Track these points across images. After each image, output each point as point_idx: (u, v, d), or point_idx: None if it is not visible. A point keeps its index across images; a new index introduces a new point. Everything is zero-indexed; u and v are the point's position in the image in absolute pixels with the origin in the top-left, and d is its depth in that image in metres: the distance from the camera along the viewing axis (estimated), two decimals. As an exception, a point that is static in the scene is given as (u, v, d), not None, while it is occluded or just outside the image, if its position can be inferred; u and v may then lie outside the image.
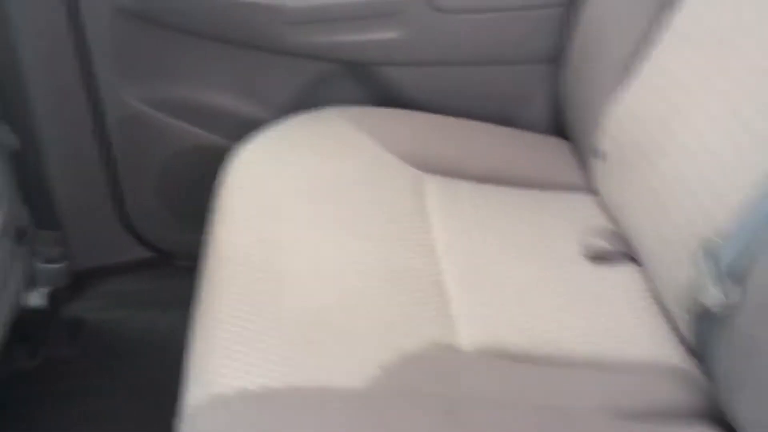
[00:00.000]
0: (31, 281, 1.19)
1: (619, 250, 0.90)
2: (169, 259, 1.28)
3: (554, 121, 1.15)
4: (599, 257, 0.89)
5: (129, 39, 1.06)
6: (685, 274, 0.74)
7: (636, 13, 0.93)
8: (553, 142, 1.12)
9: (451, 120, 1.09)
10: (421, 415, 0.60)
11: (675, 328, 0.79)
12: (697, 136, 0.78)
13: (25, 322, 1.17)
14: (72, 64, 1.05)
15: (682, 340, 0.77)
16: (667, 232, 0.80)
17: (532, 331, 0.75)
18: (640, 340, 0.78)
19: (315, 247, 0.79)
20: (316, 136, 1.00)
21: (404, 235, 0.85)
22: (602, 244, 0.90)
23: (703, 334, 0.72)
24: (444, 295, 0.77)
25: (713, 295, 0.67)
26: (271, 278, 0.73)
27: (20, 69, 1.03)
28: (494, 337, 0.74)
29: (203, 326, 0.69)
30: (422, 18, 1.05)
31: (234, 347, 0.64)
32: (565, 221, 0.95)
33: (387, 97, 1.12)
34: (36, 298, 1.22)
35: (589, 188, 1.01)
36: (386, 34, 1.06)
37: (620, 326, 0.79)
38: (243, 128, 1.04)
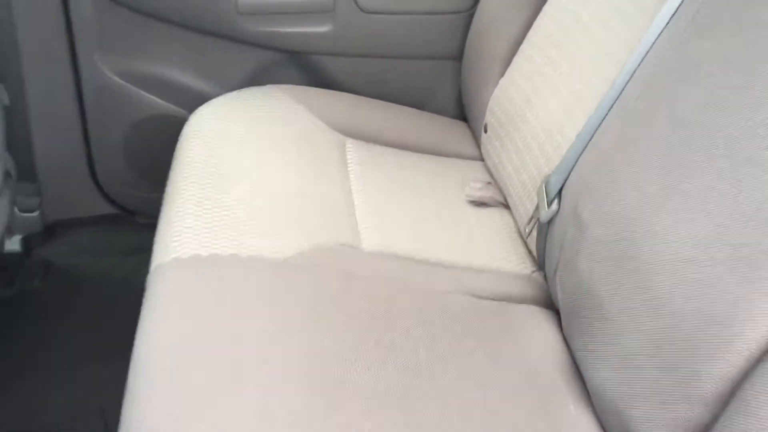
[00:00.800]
0: (8, 229, 1.38)
1: (495, 198, 1.15)
2: (131, 216, 1.48)
3: (459, 109, 1.41)
4: (478, 203, 1.14)
5: (107, 20, 1.28)
6: (533, 204, 1.00)
7: (513, 18, 1.20)
8: (455, 123, 1.38)
9: (372, 100, 1.34)
10: (324, 279, 0.84)
11: (525, 246, 1.04)
12: (546, 106, 1.05)
13: (2, 259, 1.37)
14: (59, 38, 1.27)
15: (530, 254, 1.03)
16: (524, 178, 1.06)
17: (417, 242, 1.00)
18: (499, 253, 1.03)
19: (255, 177, 1.02)
20: (259, 105, 1.23)
21: (327, 176, 1.08)
22: (481, 193, 1.15)
23: (541, 246, 0.97)
24: (352, 215, 1.01)
25: (545, 212, 0.93)
26: (221, 188, 0.96)
27: (16, 40, 1.24)
28: (388, 244, 0.98)
29: (167, 213, 0.91)
30: (350, 16, 1.30)
31: (190, 226, 0.86)
32: (456, 178, 1.20)
33: (321, 81, 1.36)
34: (12, 244, 1.42)
35: (479, 158, 1.27)
36: (321, 28, 1.31)
37: (486, 244, 1.04)
38: (199, 101, 1.26)
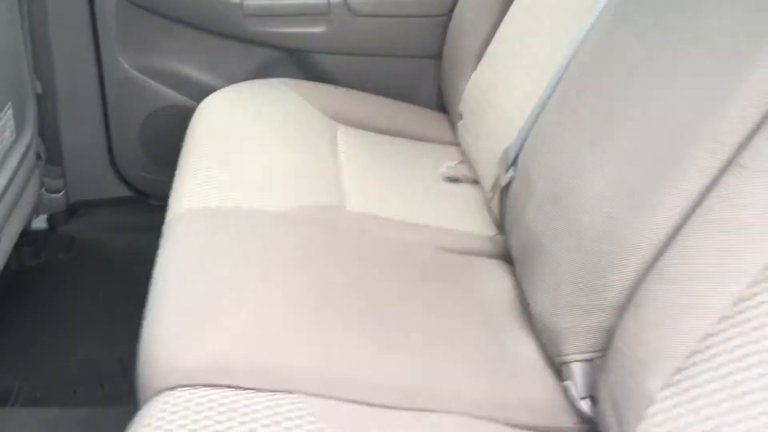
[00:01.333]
0: (36, 208, 1.55)
1: (466, 175, 1.31)
2: (145, 198, 1.65)
3: (440, 103, 1.57)
4: (452, 179, 1.30)
5: (127, 20, 1.45)
6: (496, 174, 1.16)
7: (484, 19, 1.37)
8: (436, 115, 1.54)
9: (361, 93, 1.50)
10: (312, 228, 1.00)
11: (491, 214, 1.20)
12: (509, 92, 1.21)
13: (30, 235, 1.53)
14: (85, 35, 1.44)
15: (494, 219, 1.18)
16: (490, 156, 1.22)
17: (394, 207, 1.15)
18: (466, 218, 1.18)
19: (255, 151, 1.18)
20: (260, 96, 1.40)
21: (320, 153, 1.24)
22: (454, 171, 1.31)
23: (502, 209, 1.13)
24: (341, 182, 1.17)
25: (503, 177, 1.09)
26: (225, 159, 1.12)
27: (49, 37, 1.42)
28: (370, 207, 1.14)
29: (180, 176, 1.08)
30: (343, 18, 1.47)
31: (200, 185, 1.03)
32: (433, 159, 1.36)
33: (316, 76, 1.53)
34: (39, 222, 1.58)
35: (456, 143, 1.43)
36: (317, 29, 1.48)
37: (455, 211, 1.20)
38: (208, 93, 1.43)
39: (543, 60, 1.15)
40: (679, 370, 0.67)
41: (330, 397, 0.75)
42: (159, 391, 0.73)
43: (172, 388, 0.72)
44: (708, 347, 0.66)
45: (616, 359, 0.75)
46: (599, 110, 0.89)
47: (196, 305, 0.82)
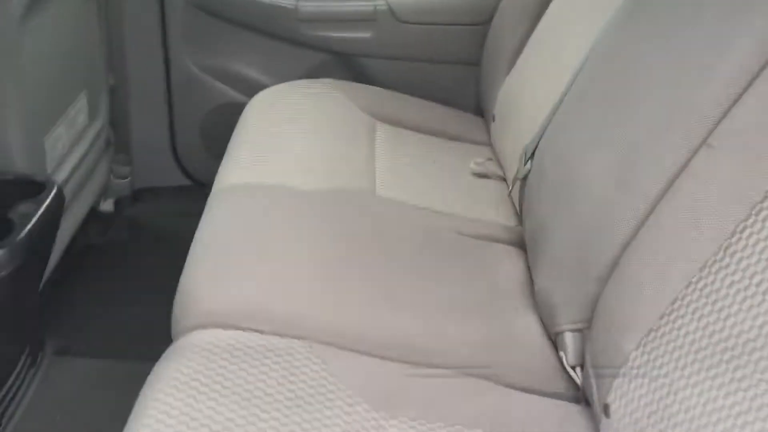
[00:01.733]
0: (104, 191, 1.70)
1: (495, 172, 1.39)
2: (202, 186, 1.78)
3: (479, 108, 1.66)
4: (481, 175, 1.39)
5: (193, 23, 1.60)
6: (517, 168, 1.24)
7: (519, 27, 1.45)
8: (473, 117, 1.63)
9: (402, 95, 1.61)
10: (342, 205, 1.10)
11: (514, 207, 1.27)
12: (533, 93, 1.29)
13: (98, 216, 1.68)
14: (155, 36, 1.60)
15: (517, 214, 1.26)
16: (515, 154, 1.30)
17: (422, 195, 1.24)
18: (489, 210, 1.27)
19: (297, 140, 1.30)
20: (306, 93, 1.51)
21: (357, 145, 1.35)
22: (483, 167, 1.40)
23: (521, 202, 1.21)
24: (374, 171, 1.27)
25: (521, 170, 1.17)
26: (269, 145, 1.25)
27: (123, 37, 1.58)
28: (398, 193, 1.23)
29: (228, 158, 1.21)
30: (388, 24, 1.58)
31: (243, 165, 1.15)
32: (465, 156, 1.44)
33: (360, 78, 1.64)
34: (107, 205, 1.74)
35: (489, 144, 1.52)
36: (363, 34, 1.60)
37: (479, 204, 1.28)
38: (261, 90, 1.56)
39: (566, 61, 1.23)
40: (650, 332, 0.74)
41: (338, 347, 0.85)
42: (189, 329, 0.84)
43: (202, 327, 0.84)
44: (674, 311, 0.73)
45: (597, 326, 0.83)
46: (602, 103, 0.97)
47: (227, 258, 0.94)
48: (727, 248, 0.69)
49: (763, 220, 0.67)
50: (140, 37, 1.60)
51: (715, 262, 0.69)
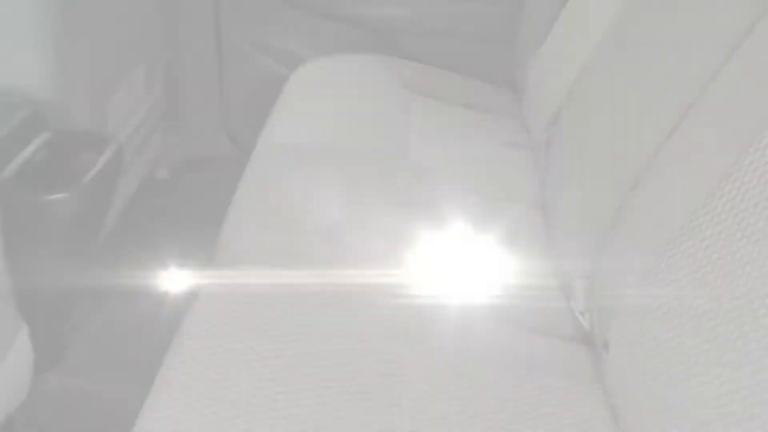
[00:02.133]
0: (158, 159, 1.82)
1: (525, 142, 1.46)
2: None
3: (514, 84, 1.72)
4: (511, 144, 1.46)
5: (243, 2, 1.70)
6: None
7: (551, 2, 1.51)
8: (507, 92, 1.69)
9: (438, 69, 1.68)
10: (370, 168, 1.20)
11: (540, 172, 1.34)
12: (561, 65, 1.35)
13: (153, 182, 1.81)
14: (208, 12, 1.71)
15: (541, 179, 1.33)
16: (542, 122, 1.37)
17: (451, 161, 1.32)
18: (515, 176, 1.34)
19: (335, 110, 1.40)
20: (344, 66, 1.60)
21: (391, 113, 1.43)
22: (514, 137, 1.46)
23: (546, 167, 1.28)
24: (407, 143, 1.35)
25: (544, 135, 1.24)
26: (307, 110, 1.34)
27: (177, 13, 1.69)
28: (430, 161, 1.31)
29: (268, 122, 1.31)
30: (426, 2, 1.66)
31: (282, 128, 1.26)
32: (498, 128, 1.52)
33: (399, 55, 1.71)
34: (161, 173, 1.86)
35: (518, 116, 1.58)
36: (402, 11, 1.68)
37: (505, 170, 1.35)
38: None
39: (591, 33, 1.29)
40: (650, 270, 0.80)
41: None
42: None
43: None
44: (669, 250, 0.79)
45: (601, 268, 0.89)
46: (619, 69, 1.04)
47: (264, 206, 1.04)
48: (731, 180, 0.71)
49: (765, 148, 0.70)
50: (194, 14, 1.72)
51: (718, 196, 0.73)
